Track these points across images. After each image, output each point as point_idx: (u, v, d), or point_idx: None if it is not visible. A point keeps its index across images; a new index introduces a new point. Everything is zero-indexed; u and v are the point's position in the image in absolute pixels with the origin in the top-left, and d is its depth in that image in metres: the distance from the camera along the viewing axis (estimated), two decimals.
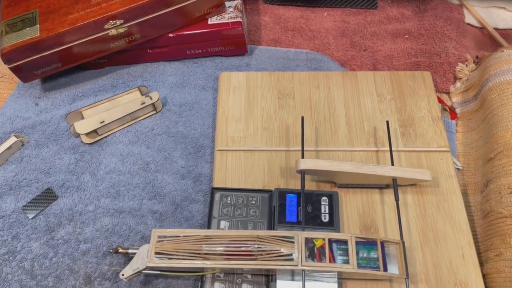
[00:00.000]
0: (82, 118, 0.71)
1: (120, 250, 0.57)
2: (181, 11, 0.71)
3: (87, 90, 0.77)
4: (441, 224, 0.60)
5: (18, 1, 0.71)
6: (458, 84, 0.76)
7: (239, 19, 0.74)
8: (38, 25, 0.67)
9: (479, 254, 0.60)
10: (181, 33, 0.75)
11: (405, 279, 0.53)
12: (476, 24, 0.85)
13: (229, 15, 0.75)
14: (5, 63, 0.68)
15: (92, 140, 0.70)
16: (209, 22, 0.75)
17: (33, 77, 0.72)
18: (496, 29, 0.84)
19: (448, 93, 0.77)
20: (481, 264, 0.59)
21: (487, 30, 0.84)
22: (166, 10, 0.70)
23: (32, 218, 0.64)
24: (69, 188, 0.66)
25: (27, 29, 0.67)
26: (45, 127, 0.72)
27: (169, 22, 0.72)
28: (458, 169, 0.68)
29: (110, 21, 0.67)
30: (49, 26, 0.67)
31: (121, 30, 0.69)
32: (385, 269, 0.52)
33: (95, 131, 0.69)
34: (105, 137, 0.71)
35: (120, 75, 0.78)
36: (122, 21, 0.68)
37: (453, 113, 0.74)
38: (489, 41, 0.83)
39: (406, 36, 0.83)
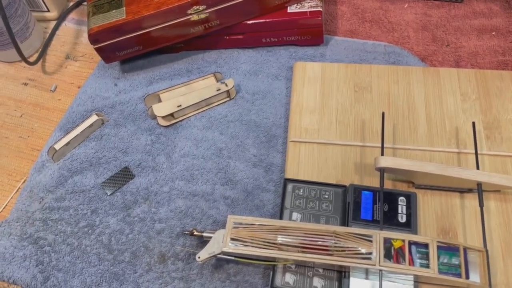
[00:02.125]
0: (159, 101, 0.73)
1: (195, 233, 0.59)
2: None
3: (163, 74, 0.78)
4: None
5: None
6: None
7: (319, 9, 0.73)
8: (124, 8, 0.69)
9: None
10: (258, 21, 0.74)
11: None
12: None
13: (309, 4, 0.73)
14: (91, 43, 0.70)
15: (168, 123, 0.71)
16: (288, 10, 0.74)
17: (115, 58, 0.74)
18: None
19: None
20: None
21: None
22: None
23: (110, 195, 0.66)
24: (145, 168, 0.68)
25: (114, 11, 0.69)
26: (123, 108, 0.74)
27: (249, 9, 0.72)
28: None
29: (194, 7, 0.68)
30: (135, 9, 0.68)
31: (202, 16, 0.70)
32: (467, 277, 0.50)
33: (171, 114, 0.70)
34: (180, 120, 0.72)
35: (195, 60, 0.79)
36: (204, 6, 0.68)
37: None
38: None
39: (493, 33, 0.78)
